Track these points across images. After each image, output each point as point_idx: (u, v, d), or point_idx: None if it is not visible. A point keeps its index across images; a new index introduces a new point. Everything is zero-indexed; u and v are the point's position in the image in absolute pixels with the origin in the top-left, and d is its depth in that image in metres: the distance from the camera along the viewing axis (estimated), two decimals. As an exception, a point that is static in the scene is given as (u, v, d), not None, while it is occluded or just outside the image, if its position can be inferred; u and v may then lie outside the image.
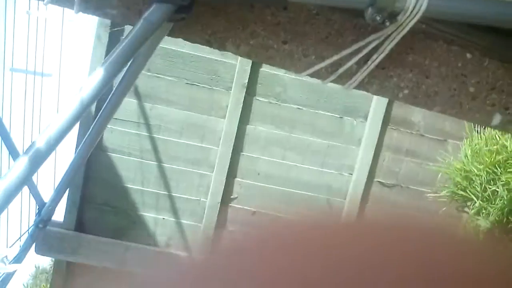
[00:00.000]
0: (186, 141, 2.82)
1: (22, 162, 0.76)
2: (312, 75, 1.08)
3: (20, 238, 1.93)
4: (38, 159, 0.76)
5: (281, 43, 1.06)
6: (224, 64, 2.73)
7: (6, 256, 1.56)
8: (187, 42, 1.06)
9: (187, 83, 2.73)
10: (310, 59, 1.07)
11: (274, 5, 0.97)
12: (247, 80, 2.72)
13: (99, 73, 0.82)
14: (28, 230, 1.81)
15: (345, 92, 2.62)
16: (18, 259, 1.62)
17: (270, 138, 2.83)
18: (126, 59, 0.85)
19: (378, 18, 0.92)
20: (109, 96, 1.29)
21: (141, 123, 2.78)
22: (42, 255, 2.87)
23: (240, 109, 2.75)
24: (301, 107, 2.76)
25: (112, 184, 2.84)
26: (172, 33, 1.04)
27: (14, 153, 1.75)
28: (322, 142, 2.85)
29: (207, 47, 1.08)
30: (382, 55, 1.00)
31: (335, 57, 1.03)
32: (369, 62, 1.03)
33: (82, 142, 1.28)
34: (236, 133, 2.79)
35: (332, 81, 1.08)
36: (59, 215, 2.67)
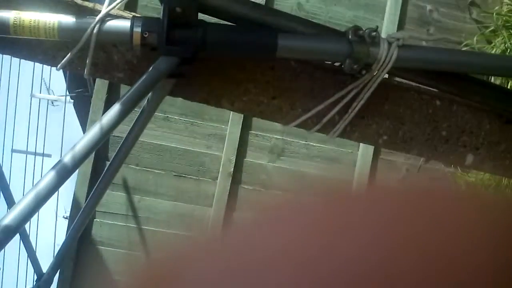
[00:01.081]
0: (175, 231, 2.86)
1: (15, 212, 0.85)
2: (299, 126, 1.20)
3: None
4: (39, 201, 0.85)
5: (271, 99, 1.18)
6: (210, 156, 2.85)
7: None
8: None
9: (174, 175, 2.84)
10: (297, 111, 1.19)
11: (263, 56, 1.11)
12: (232, 169, 2.84)
13: (115, 110, 0.92)
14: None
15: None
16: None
17: (257, 225, 2.90)
18: (135, 103, 0.97)
19: (355, 67, 1.05)
20: (109, 163, 1.38)
21: (130, 215, 2.84)
22: None
23: (227, 197, 2.84)
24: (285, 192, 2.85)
25: (100, 276, 2.84)
26: (174, 93, 1.16)
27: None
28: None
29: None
30: (361, 102, 1.13)
31: (319, 107, 1.15)
32: (350, 111, 1.15)
33: (80, 210, 1.36)
34: (223, 220, 2.85)
35: (317, 131, 1.20)
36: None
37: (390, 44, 1.06)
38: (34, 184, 0.90)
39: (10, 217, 0.91)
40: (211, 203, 2.85)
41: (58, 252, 1.52)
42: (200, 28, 1.02)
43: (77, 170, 2.59)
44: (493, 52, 2.98)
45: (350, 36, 1.05)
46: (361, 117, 1.19)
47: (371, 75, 1.08)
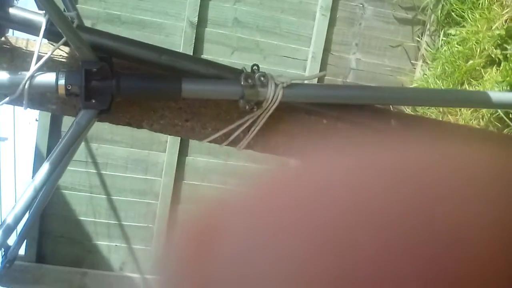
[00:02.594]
0: (131, 175, 3.14)
1: None
2: (211, 142, 1.43)
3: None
4: (8, 232, 1.10)
5: (184, 121, 1.40)
6: (161, 104, 3.06)
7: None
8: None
9: (129, 122, 3.05)
10: (208, 131, 1.42)
11: (171, 99, 1.32)
12: (182, 117, 3.06)
13: (45, 167, 1.15)
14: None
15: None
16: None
17: (209, 167, 3.17)
18: (65, 153, 1.19)
19: (247, 107, 1.28)
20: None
21: (89, 161, 3.08)
22: (7, 287, 3.13)
23: (179, 143, 3.09)
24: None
25: (66, 218, 3.14)
26: (100, 119, 1.37)
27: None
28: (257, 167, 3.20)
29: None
30: (258, 128, 1.36)
31: (225, 130, 1.38)
32: (250, 133, 1.38)
33: (40, 196, 1.59)
34: (177, 164, 3.13)
35: (226, 145, 1.44)
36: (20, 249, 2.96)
37: (276, 85, 1.28)
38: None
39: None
40: (164, 148, 3.10)
41: (23, 227, 1.77)
42: (114, 79, 1.23)
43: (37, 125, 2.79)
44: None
45: (242, 82, 1.26)
46: (262, 134, 1.42)
47: (262, 110, 1.31)
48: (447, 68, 2.89)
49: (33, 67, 1.21)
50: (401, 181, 0.20)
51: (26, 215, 1.31)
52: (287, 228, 0.20)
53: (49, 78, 1.22)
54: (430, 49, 3.19)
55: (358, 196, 0.20)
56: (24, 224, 1.85)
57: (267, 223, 0.20)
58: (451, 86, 2.81)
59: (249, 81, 1.26)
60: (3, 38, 1.32)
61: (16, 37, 1.40)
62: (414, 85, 3.19)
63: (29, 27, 1.26)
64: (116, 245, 3.22)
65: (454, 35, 2.96)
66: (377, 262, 0.17)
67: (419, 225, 0.18)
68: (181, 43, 3.06)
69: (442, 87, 2.83)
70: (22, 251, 3.11)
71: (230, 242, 0.21)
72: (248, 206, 0.22)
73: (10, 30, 1.35)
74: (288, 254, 0.19)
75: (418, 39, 3.28)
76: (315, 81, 2.87)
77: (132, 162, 3.12)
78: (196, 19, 3.06)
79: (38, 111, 2.90)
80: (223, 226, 0.22)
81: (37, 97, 1.33)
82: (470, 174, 0.20)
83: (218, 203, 0.25)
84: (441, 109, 2.84)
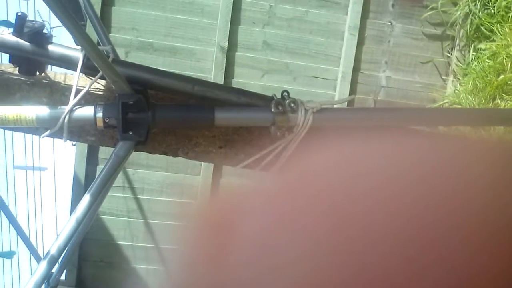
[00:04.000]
0: (167, 198, 3.19)
1: (42, 267, 1.14)
2: (244, 167, 1.46)
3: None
4: (52, 263, 1.14)
5: (218, 148, 1.44)
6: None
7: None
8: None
9: (163, 147, 3.12)
10: (241, 157, 1.45)
11: (204, 128, 1.36)
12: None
13: (86, 199, 1.20)
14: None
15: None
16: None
17: (241, 188, 3.20)
18: (104, 184, 1.23)
19: (278, 133, 1.31)
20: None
21: (126, 186, 3.15)
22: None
23: (212, 166, 3.13)
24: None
25: (105, 242, 3.20)
26: (137, 149, 1.42)
27: (35, 254, 2.16)
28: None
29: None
30: (289, 153, 1.38)
31: (257, 156, 1.41)
32: (281, 157, 1.41)
33: (76, 231, 1.64)
34: (211, 186, 3.17)
35: (259, 170, 1.47)
36: (60, 275, 3.03)
37: (307, 111, 1.31)
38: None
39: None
40: (199, 171, 3.15)
41: (64, 255, 1.82)
42: (150, 111, 1.27)
43: (75, 151, 2.86)
44: (457, 14, 3.15)
45: (273, 109, 1.30)
46: (292, 158, 1.45)
47: (294, 135, 1.34)
48: (478, 83, 2.87)
49: (72, 101, 1.26)
50: (406, 169, 0.20)
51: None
52: (303, 208, 0.21)
53: (87, 111, 1.27)
54: (460, 65, 3.18)
55: (363, 183, 0.20)
56: (65, 252, 1.91)
57: (285, 202, 0.21)
58: (483, 101, 2.79)
59: (280, 107, 1.29)
60: (43, 74, 1.38)
61: (54, 72, 1.46)
62: (446, 101, 3.18)
63: (67, 63, 1.32)
64: (154, 268, 3.26)
65: (484, 50, 2.94)
66: (384, 243, 0.18)
67: (421, 213, 0.19)
68: (212, 68, 3.12)
69: (474, 102, 2.82)
70: (62, 276, 3.19)
71: (251, 221, 0.22)
72: (267, 191, 0.23)
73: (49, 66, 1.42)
74: (306, 230, 0.19)
75: (448, 54, 3.28)
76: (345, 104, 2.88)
77: (168, 186, 3.18)
78: (226, 44, 3.12)
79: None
80: (244, 206, 0.23)
81: (76, 130, 1.38)
82: (469, 162, 0.21)
83: (238, 192, 0.25)
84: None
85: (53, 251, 1.15)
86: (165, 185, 3.18)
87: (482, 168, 0.21)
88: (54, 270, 2.08)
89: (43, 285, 1.90)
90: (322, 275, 0.18)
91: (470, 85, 2.93)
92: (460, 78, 3.15)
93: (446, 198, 0.19)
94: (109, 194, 3.10)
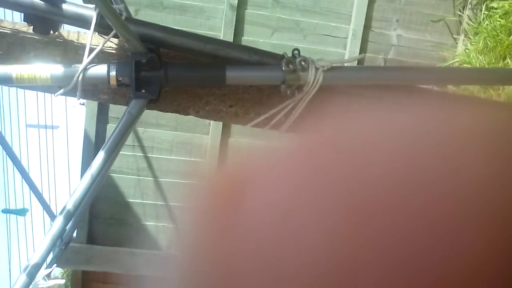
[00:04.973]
0: (176, 157, 3.22)
1: (59, 221, 1.17)
2: (253, 126, 1.48)
3: (46, 259, 2.34)
4: (68, 217, 1.18)
5: (228, 107, 1.45)
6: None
7: (47, 274, 1.98)
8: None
9: (173, 106, 3.13)
10: (251, 115, 1.46)
11: (216, 86, 1.37)
12: (224, 99, 3.12)
13: (101, 155, 1.22)
14: (53, 251, 2.22)
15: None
16: (48, 275, 2.04)
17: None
18: (118, 141, 1.26)
19: (288, 92, 1.31)
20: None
21: (136, 145, 3.18)
22: (61, 267, 3.29)
23: (221, 125, 3.15)
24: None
25: (115, 200, 3.25)
26: (149, 107, 1.43)
27: (48, 211, 2.20)
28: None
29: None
30: (298, 112, 1.40)
31: (267, 114, 1.43)
32: (291, 117, 1.42)
33: (91, 187, 1.67)
34: (220, 146, 3.19)
35: (269, 128, 1.48)
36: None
37: (317, 69, 1.32)
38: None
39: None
40: (208, 130, 3.17)
41: (78, 210, 1.86)
42: (163, 69, 1.28)
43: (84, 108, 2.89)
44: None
45: (283, 67, 1.30)
46: (303, 117, 1.46)
47: (303, 94, 1.34)
48: (489, 43, 2.85)
49: (86, 59, 1.27)
50: (408, 143, 0.20)
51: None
52: (317, 177, 0.20)
53: (101, 70, 1.28)
54: (472, 23, 3.15)
55: (366, 158, 0.20)
56: (80, 208, 1.94)
57: (300, 173, 0.21)
58: (493, 60, 2.78)
59: (290, 66, 1.30)
60: (56, 33, 1.39)
61: (67, 31, 1.47)
62: (456, 60, 3.16)
63: (80, 21, 1.33)
64: (163, 225, 3.32)
65: (496, 9, 2.91)
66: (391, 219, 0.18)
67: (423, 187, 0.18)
68: (222, 26, 3.10)
69: (484, 62, 2.80)
70: (73, 233, 3.25)
71: (264, 191, 0.21)
72: (281, 158, 0.22)
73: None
74: (319, 201, 0.19)
75: (459, 13, 3.24)
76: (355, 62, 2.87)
77: (177, 145, 3.20)
78: (236, 1, 3.09)
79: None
80: (256, 175, 0.22)
81: (90, 88, 1.39)
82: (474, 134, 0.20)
83: (250, 157, 0.24)
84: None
85: (69, 206, 1.18)
86: (175, 144, 3.20)
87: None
88: (67, 226, 2.13)
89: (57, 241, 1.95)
90: (349, 245, 0.18)
91: (480, 44, 2.91)
92: (471, 37, 3.12)
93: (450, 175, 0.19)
94: (119, 153, 3.14)
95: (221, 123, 3.13)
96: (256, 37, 3.12)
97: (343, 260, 0.18)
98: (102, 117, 3.11)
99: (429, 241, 0.17)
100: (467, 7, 3.21)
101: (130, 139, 3.14)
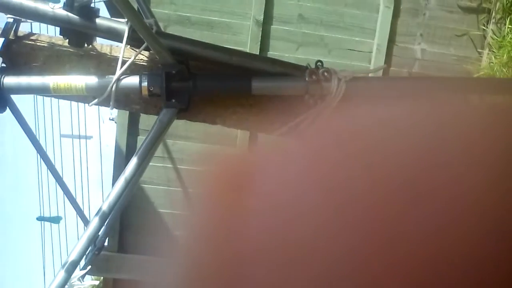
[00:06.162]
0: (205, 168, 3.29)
1: (94, 223, 1.25)
2: (278, 135, 1.54)
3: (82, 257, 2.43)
4: (103, 219, 1.25)
5: (254, 116, 1.52)
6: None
7: (82, 276, 2.07)
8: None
9: (201, 119, 3.22)
10: (275, 125, 1.53)
11: (242, 96, 1.44)
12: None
13: (134, 161, 1.30)
14: (86, 257, 2.30)
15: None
16: (83, 277, 2.13)
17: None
18: (150, 148, 1.33)
19: (311, 101, 1.38)
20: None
21: (166, 157, 3.27)
22: (93, 275, 3.37)
23: (248, 137, 3.22)
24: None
25: (145, 210, 3.34)
26: (178, 117, 1.51)
27: (82, 217, 2.30)
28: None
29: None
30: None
31: (291, 123, 1.49)
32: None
33: (124, 193, 1.75)
34: (247, 157, 3.25)
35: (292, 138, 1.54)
36: (103, 240, 3.19)
37: (339, 80, 1.38)
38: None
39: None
40: (234, 142, 3.24)
41: (108, 221, 1.94)
42: (191, 80, 1.36)
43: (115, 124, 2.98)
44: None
45: (307, 78, 1.37)
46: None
47: (326, 103, 1.40)
48: (513, 56, 2.87)
49: (119, 71, 1.36)
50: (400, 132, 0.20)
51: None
52: (317, 160, 0.21)
53: (133, 80, 1.36)
54: (496, 37, 3.17)
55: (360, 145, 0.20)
56: (113, 213, 2.03)
57: (301, 156, 0.21)
58: (518, 73, 2.79)
59: (313, 76, 1.36)
60: (90, 46, 1.48)
61: (100, 44, 1.56)
62: (481, 73, 3.18)
63: (113, 35, 1.41)
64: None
65: (520, 22, 2.93)
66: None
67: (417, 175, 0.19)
68: (248, 41, 3.18)
69: (508, 75, 2.82)
70: (105, 242, 3.34)
71: (267, 173, 0.22)
72: (284, 145, 0.23)
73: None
74: (320, 181, 0.20)
75: (483, 27, 3.27)
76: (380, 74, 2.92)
77: (205, 157, 3.27)
78: (262, 17, 3.17)
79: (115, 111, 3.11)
80: (260, 160, 0.23)
81: (122, 98, 1.48)
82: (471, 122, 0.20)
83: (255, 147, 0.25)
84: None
85: (105, 207, 1.26)
86: (203, 155, 3.27)
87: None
88: (100, 232, 2.21)
89: (90, 246, 2.03)
90: (357, 231, 0.18)
91: (505, 57, 2.93)
92: (495, 50, 3.14)
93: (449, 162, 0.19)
94: (150, 164, 3.23)
95: (247, 136, 3.20)
96: (281, 52, 3.19)
97: (351, 241, 0.18)
98: (132, 129, 3.21)
99: (437, 234, 0.17)
100: (491, 21, 3.23)
101: (160, 151, 3.23)
